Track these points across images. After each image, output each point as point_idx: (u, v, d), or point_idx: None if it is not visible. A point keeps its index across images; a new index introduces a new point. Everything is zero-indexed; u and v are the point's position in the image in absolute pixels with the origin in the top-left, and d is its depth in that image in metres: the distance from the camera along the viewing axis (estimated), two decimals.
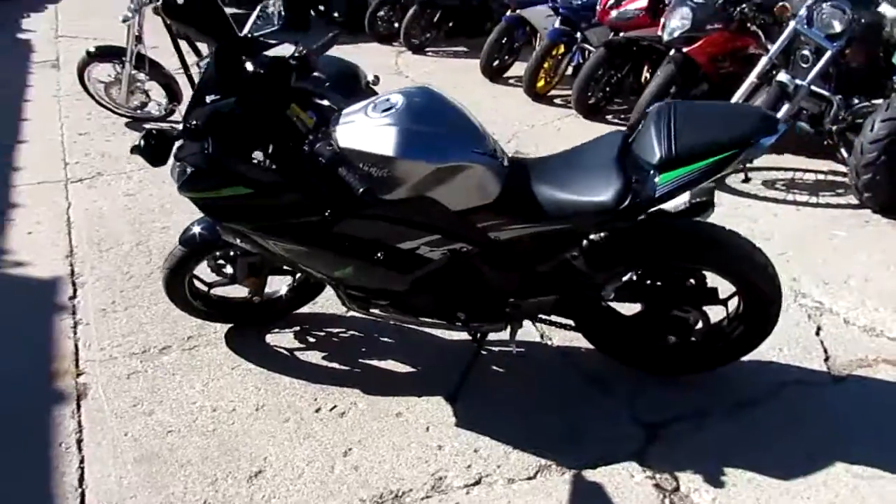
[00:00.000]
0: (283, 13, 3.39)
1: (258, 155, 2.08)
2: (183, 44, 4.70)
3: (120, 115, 4.89)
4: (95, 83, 4.86)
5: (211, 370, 2.52)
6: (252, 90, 2.02)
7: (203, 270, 2.54)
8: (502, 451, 2.19)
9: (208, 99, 2.01)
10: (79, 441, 2.19)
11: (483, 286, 2.25)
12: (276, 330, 2.74)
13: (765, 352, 2.61)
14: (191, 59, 4.74)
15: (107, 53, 4.66)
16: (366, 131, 1.96)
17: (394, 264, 2.18)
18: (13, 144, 4.61)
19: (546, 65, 5.74)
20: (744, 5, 4.43)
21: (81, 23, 8.16)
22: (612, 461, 2.15)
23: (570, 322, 2.39)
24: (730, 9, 4.45)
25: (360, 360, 2.59)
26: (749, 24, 4.42)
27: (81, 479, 2.05)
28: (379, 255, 2.15)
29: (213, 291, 2.62)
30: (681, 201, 2.26)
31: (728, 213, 3.76)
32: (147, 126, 1.92)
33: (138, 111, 4.90)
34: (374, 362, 2.58)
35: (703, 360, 2.42)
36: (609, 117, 5.41)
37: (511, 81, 6.38)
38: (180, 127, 1.93)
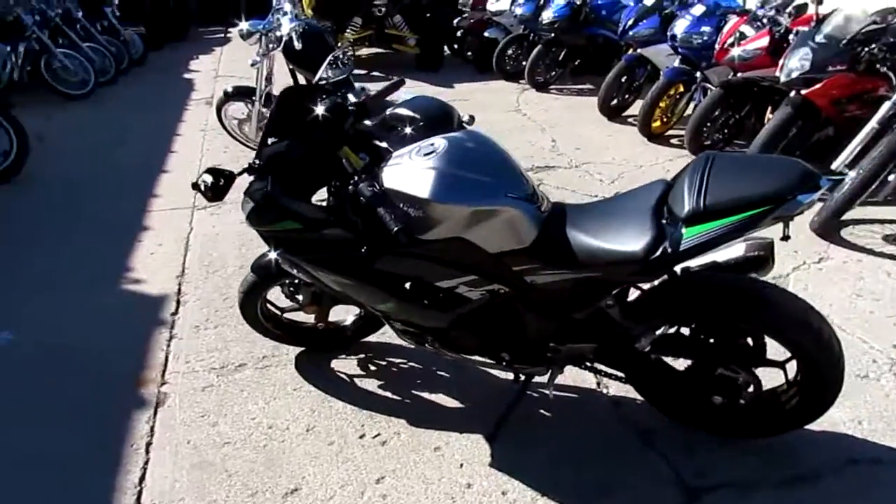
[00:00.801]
0: (352, 62, 3.62)
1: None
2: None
3: (251, 149, 5.37)
4: (231, 119, 5.37)
5: (276, 389, 2.70)
6: (307, 133, 2.19)
7: (278, 296, 2.75)
8: (529, 497, 2.18)
9: (270, 141, 2.21)
10: (148, 444, 2.43)
11: (522, 328, 2.26)
12: (343, 356, 2.88)
13: (841, 423, 2.42)
14: None
15: (240, 93, 5.14)
16: (406, 173, 2.07)
17: (433, 302, 2.26)
18: (158, 173, 5.19)
19: (663, 104, 5.61)
20: (873, 45, 4.12)
21: (240, 64, 9.00)
22: None
23: (618, 373, 2.34)
24: (857, 49, 4.15)
25: (413, 392, 2.67)
26: (879, 66, 4.10)
27: (142, 479, 2.28)
28: (418, 292, 2.24)
29: (284, 315, 2.81)
30: (735, 255, 2.18)
31: (834, 266, 3.50)
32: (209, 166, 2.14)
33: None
34: (426, 394, 2.65)
35: (755, 425, 2.27)
36: None
37: (630, 121, 6.28)
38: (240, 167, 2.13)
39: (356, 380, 2.76)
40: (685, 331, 2.22)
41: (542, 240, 2.06)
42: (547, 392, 2.30)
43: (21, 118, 5.06)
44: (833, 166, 3.88)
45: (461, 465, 2.31)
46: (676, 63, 5.51)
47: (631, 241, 1.93)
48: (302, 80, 5.05)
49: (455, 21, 9.21)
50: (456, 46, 9.59)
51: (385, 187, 2.06)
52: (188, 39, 11.80)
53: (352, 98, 2.45)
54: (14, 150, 5.11)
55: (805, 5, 5.11)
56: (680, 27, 5.39)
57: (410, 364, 2.83)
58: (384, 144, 2.42)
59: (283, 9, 4.59)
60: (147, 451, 2.40)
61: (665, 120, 5.71)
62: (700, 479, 2.22)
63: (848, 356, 2.72)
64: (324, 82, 3.21)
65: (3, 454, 2.39)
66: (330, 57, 3.33)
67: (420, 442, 2.42)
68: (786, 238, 1.90)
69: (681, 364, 2.36)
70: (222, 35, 12.37)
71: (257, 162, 2.19)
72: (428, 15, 8.68)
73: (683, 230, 1.84)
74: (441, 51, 8.95)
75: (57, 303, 3.33)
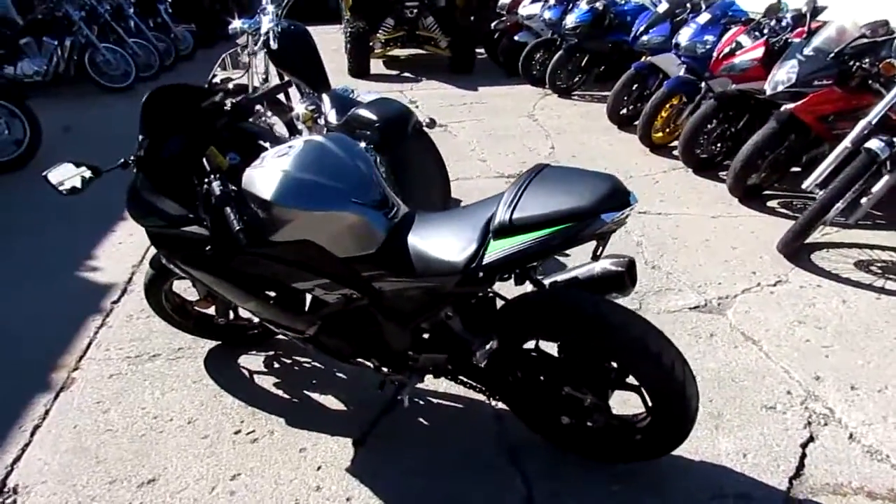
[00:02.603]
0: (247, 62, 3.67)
1: None
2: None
3: None
4: None
5: (176, 381, 2.78)
6: (176, 132, 2.25)
7: (187, 288, 2.83)
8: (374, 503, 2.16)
9: (141, 139, 2.28)
10: (36, 427, 2.54)
11: (381, 335, 2.25)
12: (253, 352, 2.94)
13: (725, 454, 2.30)
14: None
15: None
16: (259, 175, 2.09)
17: (292, 303, 2.28)
18: None
19: (664, 114, 5.43)
20: (865, 60, 3.87)
21: None
22: None
23: (477, 384, 2.30)
24: (849, 63, 3.91)
25: (305, 391, 2.70)
26: (871, 82, 3.84)
27: (17, 459, 2.39)
28: (276, 293, 2.26)
29: (194, 308, 2.88)
30: (591, 272, 2.10)
31: (788, 290, 3.32)
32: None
33: None
34: (316, 395, 2.68)
35: (612, 450, 2.18)
36: (722, 174, 4.96)
37: None
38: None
39: (256, 376, 2.81)
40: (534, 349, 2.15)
41: (387, 247, 2.05)
42: (403, 399, 2.28)
43: (59, 108, 5.35)
44: (804, 185, 3.68)
45: (318, 468, 2.32)
46: (682, 72, 5.33)
47: (457, 251, 1.90)
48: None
49: (493, 24, 9.19)
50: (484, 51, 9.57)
51: (242, 188, 2.10)
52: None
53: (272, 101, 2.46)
54: (27, 138, 5.44)
55: (816, 11, 4.83)
56: (684, 35, 5.22)
57: (314, 364, 2.86)
58: (267, 145, 2.44)
59: (266, 8, 4.69)
60: (32, 434, 2.51)
61: (668, 131, 5.52)
62: (551, 500, 2.16)
63: (762, 385, 2.62)
64: (217, 80, 3.26)
65: None
66: (223, 56, 3.39)
67: (289, 442, 2.44)
68: (595, 258, 1.82)
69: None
70: None
71: (131, 158, 2.26)
72: (460, 18, 8.67)
73: (491, 244, 1.80)
74: (472, 54, 8.93)
75: (10, 287, 3.52)
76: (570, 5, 7.35)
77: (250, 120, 2.53)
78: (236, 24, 4.91)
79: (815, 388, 2.65)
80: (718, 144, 4.90)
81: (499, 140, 5.94)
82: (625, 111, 6.15)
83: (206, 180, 2.10)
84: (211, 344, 2.99)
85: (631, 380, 2.06)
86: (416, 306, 2.12)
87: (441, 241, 1.96)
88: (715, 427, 2.45)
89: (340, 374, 2.79)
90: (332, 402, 2.64)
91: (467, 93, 7.71)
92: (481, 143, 5.87)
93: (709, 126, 4.83)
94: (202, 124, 2.30)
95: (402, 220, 2.10)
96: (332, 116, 3.99)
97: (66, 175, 2.21)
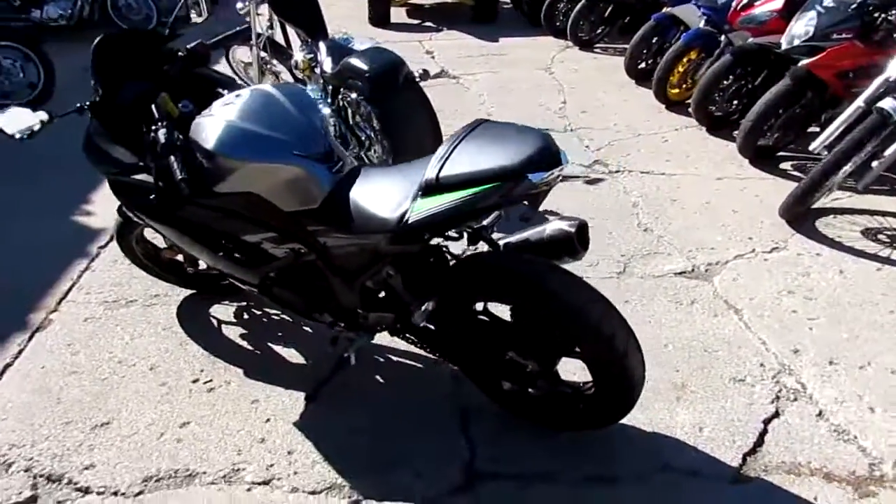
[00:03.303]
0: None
1: None
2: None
3: None
4: (238, 62, 5.49)
5: (147, 327, 2.80)
6: (129, 78, 2.20)
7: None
8: (311, 460, 2.17)
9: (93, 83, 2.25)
10: (7, 365, 2.60)
11: (331, 291, 2.22)
12: (226, 302, 2.94)
13: (680, 426, 2.24)
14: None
15: (237, 37, 5.20)
16: (204, 124, 2.05)
17: (241, 256, 2.26)
18: None
19: (681, 68, 5.20)
20: (892, 11, 3.61)
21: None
22: (398, 500, 2.01)
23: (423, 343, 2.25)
24: (873, 15, 3.65)
25: (269, 343, 2.70)
26: None
27: None
28: (225, 243, 2.24)
29: (164, 255, 2.88)
30: (540, 234, 2.02)
31: (783, 258, 3.18)
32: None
33: None
34: (278, 348, 2.67)
35: (556, 416, 2.13)
36: (736, 133, 4.74)
37: None
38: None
39: (224, 326, 2.81)
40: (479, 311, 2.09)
41: (330, 202, 2.00)
42: (350, 356, 2.25)
43: (81, 52, 5.36)
44: (811, 147, 3.49)
45: (267, 420, 2.33)
46: (701, 24, 5.07)
47: (390, 208, 1.84)
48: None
49: None
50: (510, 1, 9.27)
51: (189, 137, 2.05)
52: None
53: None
54: (41, 82, 5.48)
55: None
56: None
57: (283, 317, 2.85)
58: (226, 93, 2.39)
59: None
60: (2, 373, 2.56)
61: (685, 87, 5.29)
62: (491, 465, 2.13)
63: (735, 356, 2.53)
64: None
65: None
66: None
67: (244, 393, 2.45)
68: (525, 219, 1.73)
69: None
70: None
71: (86, 104, 2.23)
72: None
73: (417, 202, 1.73)
74: (495, 3, 8.66)
75: (9, 227, 3.57)
76: None
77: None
78: None
79: (791, 361, 2.54)
80: (734, 102, 4.68)
81: (510, 93, 5.78)
82: (643, 65, 5.90)
83: (153, 128, 2.06)
84: (186, 292, 3.00)
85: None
86: (359, 263, 2.07)
87: (379, 198, 1.90)
88: (676, 398, 2.38)
89: (307, 328, 2.77)
90: (293, 355, 2.64)
91: (487, 44, 7.50)
92: (492, 96, 5.72)
93: (725, 82, 4.60)
94: (157, 71, 2.25)
95: (348, 175, 2.04)
96: (328, 65, 3.91)
97: (20, 120, 2.19)
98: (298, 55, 4.40)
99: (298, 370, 2.56)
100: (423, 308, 1.95)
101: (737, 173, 4.18)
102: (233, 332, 2.77)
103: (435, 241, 2.16)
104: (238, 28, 2.53)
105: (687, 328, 2.75)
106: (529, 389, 2.10)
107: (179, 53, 2.28)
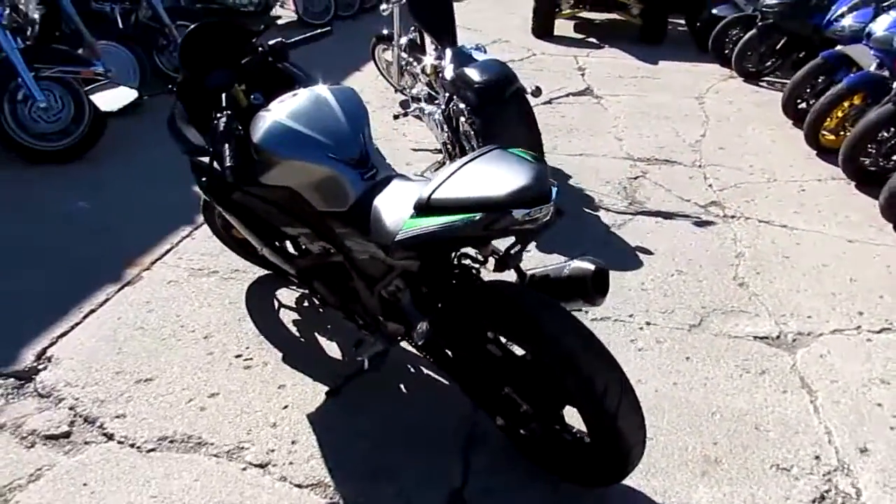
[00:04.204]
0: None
1: None
2: None
3: (399, 91, 5.65)
4: (383, 61, 5.71)
5: (216, 299, 3.01)
6: (209, 67, 2.38)
7: None
8: (309, 454, 2.22)
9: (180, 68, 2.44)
10: (91, 311, 2.90)
11: (357, 294, 2.26)
12: (293, 287, 3.08)
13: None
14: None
15: (386, 38, 5.42)
16: (259, 118, 2.17)
17: (282, 246, 2.36)
18: None
19: (840, 113, 4.70)
20: None
21: (482, 15, 9.28)
22: None
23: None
24: None
25: (315, 333, 2.80)
26: None
27: (64, 335, 2.74)
28: (270, 233, 2.35)
29: (233, 232, 3.05)
30: (559, 273, 1.93)
31: (892, 342, 2.79)
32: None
33: (405, 89, 5.59)
34: (324, 340, 2.77)
35: (550, 461, 2.03)
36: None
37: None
38: None
39: (282, 310, 2.95)
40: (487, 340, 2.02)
41: (357, 207, 2.04)
42: (363, 361, 2.27)
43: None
44: None
45: (285, 407, 2.42)
46: (873, 68, 4.55)
47: (394, 221, 1.84)
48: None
49: None
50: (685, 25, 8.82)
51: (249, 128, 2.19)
52: None
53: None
54: (138, 72, 5.94)
55: None
56: (880, 24, 4.42)
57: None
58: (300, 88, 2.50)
59: None
60: (86, 317, 2.87)
61: (843, 134, 4.76)
62: (479, 497, 2.08)
63: (790, 441, 2.35)
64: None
65: None
66: None
67: (274, 377, 2.56)
68: (501, 266, 1.66)
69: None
70: None
71: (173, 88, 2.43)
72: None
73: (409, 220, 1.71)
74: (664, 23, 8.29)
75: (126, 191, 3.98)
76: None
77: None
78: None
79: (853, 460, 2.22)
80: (893, 158, 4.15)
81: (648, 119, 5.52)
82: (803, 105, 5.39)
83: (218, 115, 2.20)
84: (263, 272, 3.18)
85: None
86: (376, 271, 2.09)
87: (392, 209, 1.91)
88: (702, 473, 2.17)
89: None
90: (332, 349, 2.71)
91: (643, 65, 7.21)
92: (628, 119, 5.50)
93: (884, 134, 4.10)
94: (239, 62, 2.40)
95: (379, 183, 2.06)
96: (448, 72, 3.97)
97: (115, 98, 2.45)
98: (427, 59, 4.51)
99: (331, 364, 2.63)
100: (420, 329, 1.92)
101: (872, 238, 3.71)
102: (287, 317, 2.90)
103: (465, 261, 2.14)
104: (320, 30, 2.60)
105: (744, 399, 2.49)
106: (521, 430, 2.00)
107: (259, 49, 2.42)
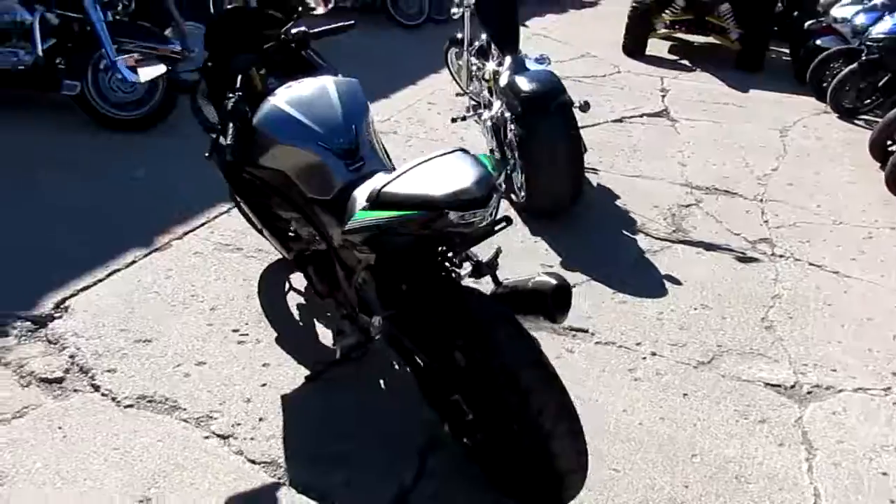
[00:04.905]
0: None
1: None
2: None
3: (467, 94, 5.67)
4: (455, 64, 5.74)
5: (232, 274, 3.12)
6: (232, 50, 2.47)
7: None
8: (271, 433, 2.27)
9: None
10: (116, 270, 3.07)
11: (338, 282, 2.29)
12: None
13: None
14: None
15: (459, 42, 5.44)
16: (265, 102, 2.24)
17: (277, 228, 2.43)
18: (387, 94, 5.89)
19: None
20: None
21: (571, 29, 9.18)
22: (314, 499, 2.03)
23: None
24: None
25: (314, 318, 2.86)
26: None
27: (86, 289, 2.92)
28: (266, 212, 2.42)
29: None
30: (524, 285, 1.89)
31: None
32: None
33: (472, 92, 5.60)
34: (321, 326, 2.82)
35: (494, 474, 1.97)
36: None
37: None
38: None
39: (291, 294, 3.02)
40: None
41: (339, 197, 2.07)
42: (336, 350, 2.29)
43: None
44: None
45: (263, 385, 2.47)
46: None
47: (356, 212, 1.84)
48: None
49: (807, 24, 8.01)
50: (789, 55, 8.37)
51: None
52: None
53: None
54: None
55: None
56: None
57: None
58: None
59: None
60: (110, 275, 3.04)
61: None
62: (424, 501, 2.04)
63: (770, 498, 2.16)
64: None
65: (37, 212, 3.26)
66: None
67: (262, 355, 2.63)
68: (476, 273, 1.63)
69: None
70: (594, 1, 12.41)
71: (203, 66, 2.55)
72: (761, 10, 7.72)
73: (360, 211, 1.72)
74: (763, 52, 7.91)
75: (182, 165, 4.14)
76: (891, 13, 6.09)
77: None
78: None
79: None
80: None
81: (719, 147, 5.29)
82: (894, 147, 5.01)
83: (230, 95, 2.29)
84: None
85: None
86: (352, 263, 2.11)
87: (361, 201, 1.91)
88: None
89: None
90: (327, 336, 2.75)
91: (732, 92, 6.91)
92: (698, 146, 5.29)
93: None
94: (261, 47, 2.48)
95: (363, 175, 2.08)
96: (503, 80, 3.95)
97: (150, 71, 2.58)
98: (489, 65, 4.50)
99: (319, 350, 2.67)
100: (374, 320, 1.91)
101: None
102: (293, 300, 2.97)
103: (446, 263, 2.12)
104: (344, 23, 2.65)
105: (733, 447, 2.34)
106: (464, 438, 1.96)
107: (282, 37, 2.49)
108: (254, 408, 2.36)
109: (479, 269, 2.03)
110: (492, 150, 4.14)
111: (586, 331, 2.92)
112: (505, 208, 3.99)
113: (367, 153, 2.14)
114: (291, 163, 2.12)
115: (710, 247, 3.72)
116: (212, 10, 5.91)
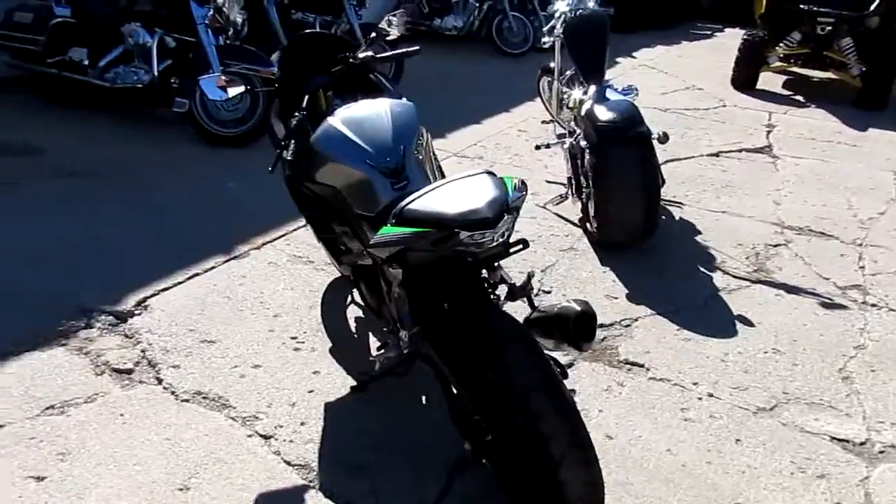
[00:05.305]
0: None
1: None
2: None
3: (555, 121, 5.68)
4: (546, 92, 5.76)
5: (300, 285, 3.27)
6: (304, 72, 2.63)
7: None
8: (309, 437, 2.36)
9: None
10: (195, 275, 3.29)
11: (382, 297, 2.36)
12: None
13: None
14: None
15: (551, 71, 5.46)
16: (324, 121, 2.37)
17: (331, 241, 2.54)
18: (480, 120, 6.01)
19: None
20: None
21: (681, 61, 9.01)
22: None
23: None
24: None
25: (369, 330, 2.94)
26: None
27: (167, 290, 3.15)
28: (322, 225, 2.54)
29: None
30: (552, 310, 1.89)
31: None
32: None
33: (563, 120, 5.59)
34: (375, 338, 2.89)
35: (514, 498, 1.95)
36: None
37: None
38: None
39: (352, 307, 3.13)
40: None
41: (382, 214, 2.14)
42: (375, 361, 2.34)
43: (459, 57, 6.20)
44: None
45: (310, 391, 2.57)
46: None
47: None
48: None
49: None
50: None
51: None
52: (670, 30, 11.69)
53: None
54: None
55: None
56: None
57: None
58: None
59: None
60: (191, 278, 3.26)
61: None
62: None
63: None
64: None
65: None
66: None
67: (314, 362, 2.73)
68: (512, 296, 1.65)
69: None
70: (709, 34, 12.03)
71: (276, 86, 2.73)
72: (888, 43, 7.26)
73: (385, 227, 1.78)
74: (888, 88, 7.41)
75: (271, 181, 4.34)
76: None
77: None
78: (559, 3, 5.02)
79: None
80: None
81: (821, 187, 5.00)
82: None
83: (295, 114, 2.44)
84: None
85: None
86: (392, 278, 2.16)
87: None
88: None
89: None
90: (376, 345, 2.81)
91: (846, 130, 6.51)
92: (798, 185, 5.02)
93: None
94: (329, 69, 2.62)
95: (405, 194, 2.14)
96: (584, 108, 3.95)
97: (234, 88, 2.78)
98: (575, 94, 4.50)
99: (368, 362, 2.71)
100: (402, 334, 1.96)
101: None
102: (352, 312, 3.07)
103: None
104: (410, 49, 2.74)
105: (782, 500, 2.20)
106: (483, 459, 1.96)
107: (350, 60, 2.62)
108: (297, 412, 2.46)
109: (513, 293, 2.04)
110: (569, 179, 4.12)
111: (642, 365, 2.83)
112: (578, 237, 3.95)
113: (413, 173, 2.20)
114: (342, 179, 2.22)
115: (792, 289, 3.52)
116: None
